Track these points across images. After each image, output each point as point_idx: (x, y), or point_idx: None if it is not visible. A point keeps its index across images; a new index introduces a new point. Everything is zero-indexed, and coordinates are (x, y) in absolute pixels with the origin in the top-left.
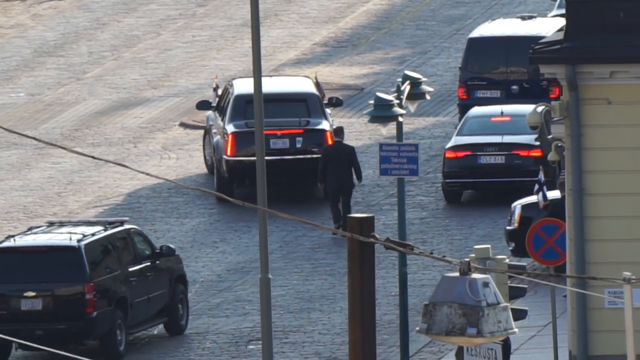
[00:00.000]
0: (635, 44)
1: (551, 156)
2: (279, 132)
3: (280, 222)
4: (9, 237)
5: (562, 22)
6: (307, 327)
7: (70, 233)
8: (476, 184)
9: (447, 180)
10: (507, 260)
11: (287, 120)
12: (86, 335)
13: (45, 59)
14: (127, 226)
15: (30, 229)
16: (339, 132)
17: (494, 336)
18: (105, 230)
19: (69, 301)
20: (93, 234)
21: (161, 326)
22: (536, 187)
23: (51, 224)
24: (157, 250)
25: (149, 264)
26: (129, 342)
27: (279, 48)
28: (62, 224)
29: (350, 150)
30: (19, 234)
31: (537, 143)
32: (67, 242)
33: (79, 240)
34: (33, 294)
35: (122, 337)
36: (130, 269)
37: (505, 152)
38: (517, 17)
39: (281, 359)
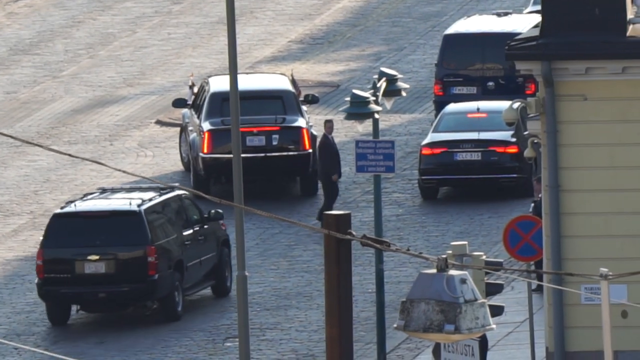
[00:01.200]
0: (610, 40)
1: (527, 153)
2: (255, 130)
3: (256, 219)
4: (69, 202)
5: (537, 18)
6: (284, 324)
7: (129, 198)
8: (452, 180)
9: (423, 177)
10: (483, 257)
11: (263, 118)
12: (148, 297)
13: (21, 57)
14: (177, 192)
15: (85, 195)
16: (325, 123)
17: (471, 332)
18: (160, 195)
19: (131, 264)
20: (150, 199)
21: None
22: None
23: (104, 190)
24: (206, 215)
25: (198, 228)
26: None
27: (254, 45)
28: (114, 190)
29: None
30: (78, 200)
31: (514, 139)
32: (128, 207)
33: (139, 205)
34: (96, 257)
35: (180, 299)
36: (184, 233)
37: (482, 149)
38: (493, 14)
39: (258, 356)
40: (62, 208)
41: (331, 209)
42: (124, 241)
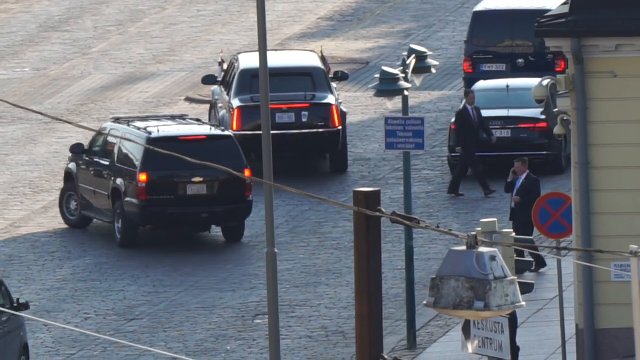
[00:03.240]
0: None
1: (557, 130)
2: (284, 107)
3: (286, 196)
4: (146, 127)
5: None
6: (314, 301)
7: (195, 124)
8: (482, 157)
9: (453, 154)
10: (513, 234)
11: (293, 95)
12: (244, 216)
13: (50, 34)
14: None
15: (129, 122)
16: (466, 95)
17: (501, 310)
18: (202, 122)
19: (231, 186)
20: (213, 125)
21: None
22: None
23: (117, 119)
24: None
25: None
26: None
27: (284, 22)
28: (130, 120)
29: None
30: (150, 126)
31: (543, 117)
32: (221, 132)
33: (223, 130)
34: (200, 179)
35: None
36: None
37: (511, 126)
38: None
39: (288, 333)
40: (150, 133)
41: (459, 182)
42: (223, 164)
